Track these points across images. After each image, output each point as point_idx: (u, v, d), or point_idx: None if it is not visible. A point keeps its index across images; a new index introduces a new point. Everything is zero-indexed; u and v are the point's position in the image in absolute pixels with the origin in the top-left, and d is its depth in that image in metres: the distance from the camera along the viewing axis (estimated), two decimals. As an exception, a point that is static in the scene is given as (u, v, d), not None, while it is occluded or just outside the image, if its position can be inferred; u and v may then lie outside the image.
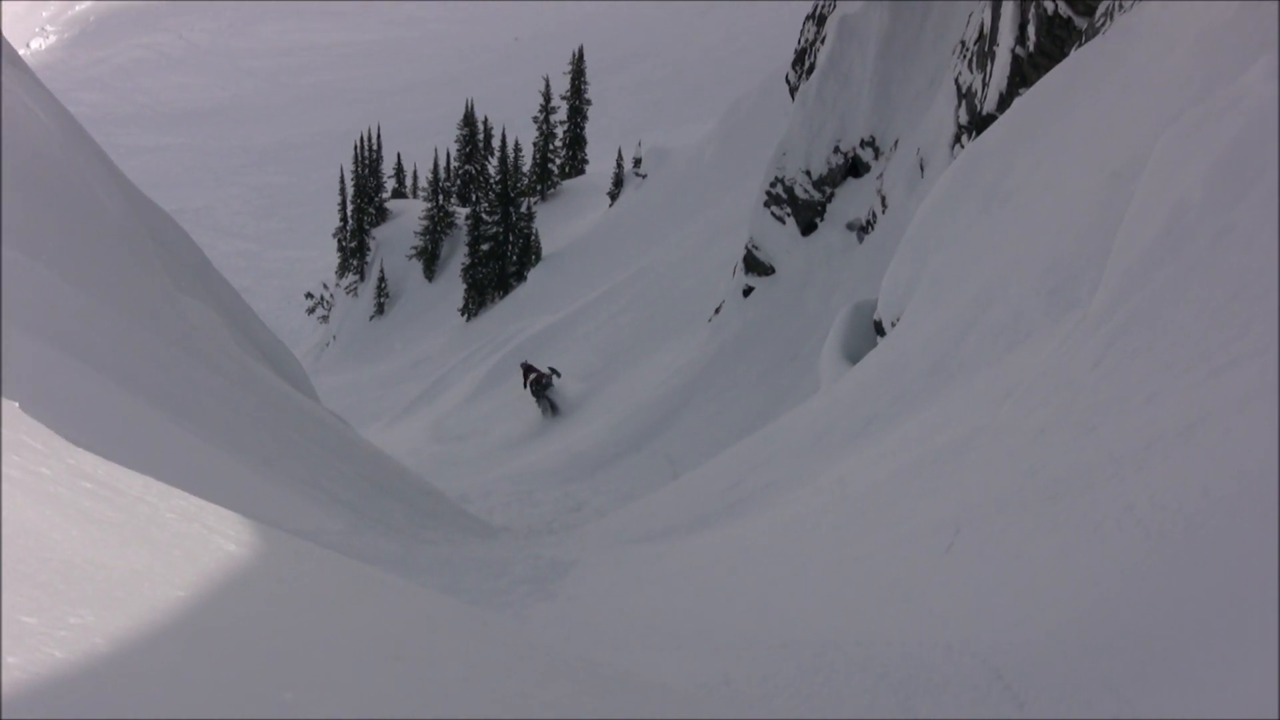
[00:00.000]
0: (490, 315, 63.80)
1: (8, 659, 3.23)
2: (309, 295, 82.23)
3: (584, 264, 58.03)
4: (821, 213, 33.69)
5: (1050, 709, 5.21)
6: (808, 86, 34.84)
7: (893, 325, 18.44)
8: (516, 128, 79.27)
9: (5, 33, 21.81)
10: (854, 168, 33.56)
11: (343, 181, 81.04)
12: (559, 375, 36.33)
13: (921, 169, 28.81)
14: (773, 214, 34.41)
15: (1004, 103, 23.34)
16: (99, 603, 3.99)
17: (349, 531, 12.77)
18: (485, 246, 67.84)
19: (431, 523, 16.89)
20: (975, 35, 26.80)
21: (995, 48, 24.68)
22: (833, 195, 33.58)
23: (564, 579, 11.78)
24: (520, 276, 66.00)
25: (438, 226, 74.15)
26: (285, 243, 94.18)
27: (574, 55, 76.89)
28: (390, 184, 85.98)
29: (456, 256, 72.11)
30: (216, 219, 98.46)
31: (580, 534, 18.31)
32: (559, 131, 77.25)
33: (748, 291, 34.20)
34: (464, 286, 67.11)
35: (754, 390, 30.16)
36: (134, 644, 3.77)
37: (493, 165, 73.74)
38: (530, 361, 38.50)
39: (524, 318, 54.67)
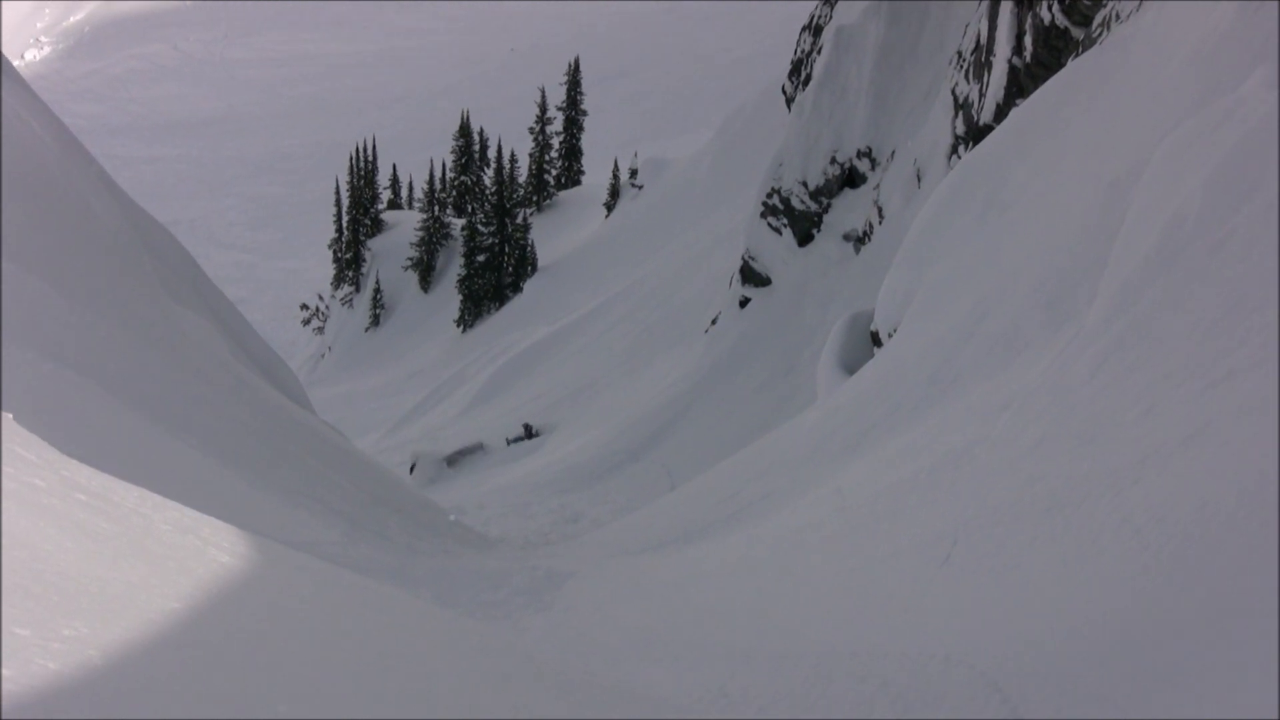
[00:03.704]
0: (486, 327, 63.83)
1: (2, 670, 3.22)
2: (304, 306, 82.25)
3: (580, 275, 58.13)
4: (818, 223, 33.74)
5: (1048, 721, 5.21)
6: (804, 97, 34.91)
7: (890, 336, 18.46)
8: (512, 139, 79.34)
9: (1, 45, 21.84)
10: (851, 178, 33.63)
11: (338, 192, 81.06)
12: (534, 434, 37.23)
13: (918, 179, 28.86)
14: (769, 225, 34.46)
15: (1001, 113, 23.38)
16: (93, 615, 3.99)
17: (345, 543, 12.77)
18: (481, 258, 67.90)
19: (428, 534, 16.89)
20: (972, 46, 26.85)
21: (992, 58, 24.73)
22: (829, 206, 33.64)
23: (561, 590, 11.77)
24: (516, 288, 66.06)
25: (433, 238, 74.19)
26: (280, 254, 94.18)
27: (570, 66, 76.95)
28: (386, 195, 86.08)
29: (452, 268, 72.17)
30: (211, 230, 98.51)
31: (577, 545, 18.31)
32: (555, 142, 77.37)
33: (744, 302, 34.24)
34: (460, 298, 67.18)
35: (752, 401, 30.19)
36: (128, 656, 3.77)
37: (488, 176, 73.80)
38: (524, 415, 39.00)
39: (520, 329, 54.77)
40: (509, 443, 37.16)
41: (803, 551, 10.21)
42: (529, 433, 37.28)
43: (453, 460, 36.86)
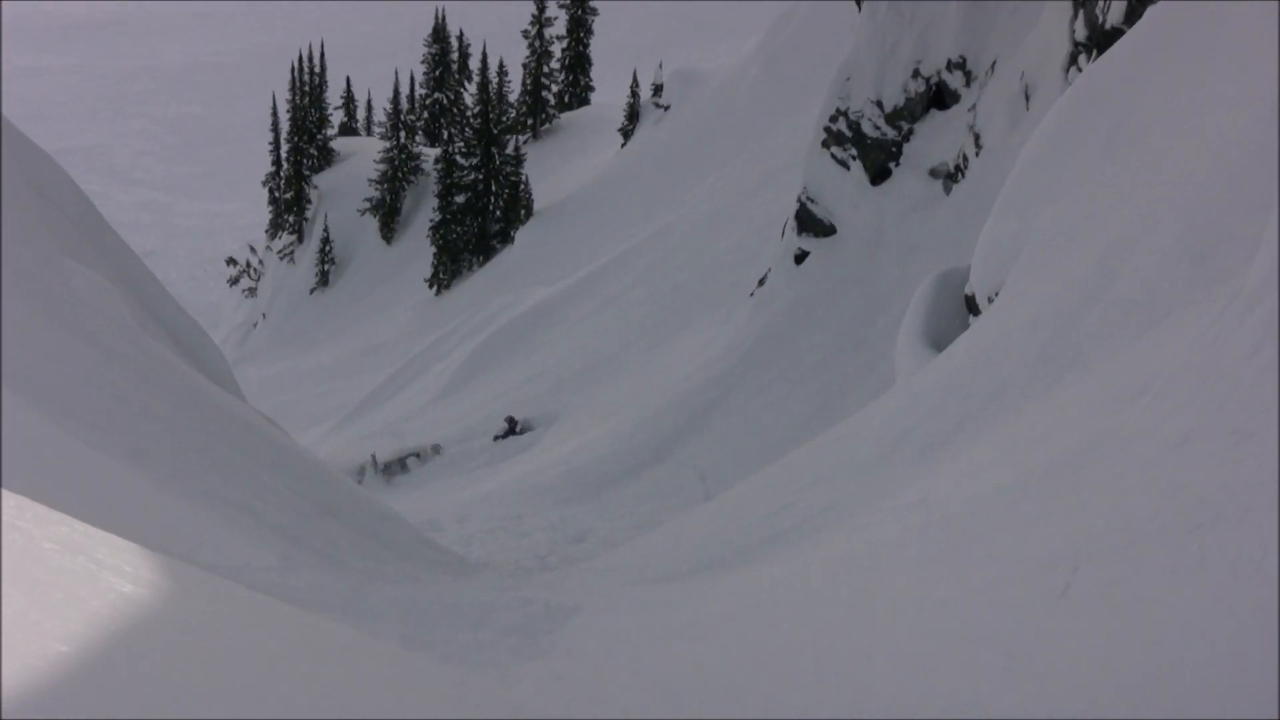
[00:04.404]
0: (466, 288, 63.95)
1: None
2: (231, 261, 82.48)
3: (589, 222, 58.09)
4: (897, 155, 33.66)
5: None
6: (879, -9, 34.83)
7: (990, 301, 18.42)
8: (501, 45, 79.30)
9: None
10: (939, 97, 33.53)
11: (275, 114, 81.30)
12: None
13: (1026, 99, 28.76)
14: (833, 156, 34.39)
15: (1133, 13, 23.26)
16: (-47, 661, 3.96)
17: (282, 567, 12.78)
18: (460, 198, 68.02)
19: (390, 555, 16.92)
20: (1097, -76, 26.72)
21: (1123, -60, 24.60)
22: (911, 132, 33.55)
23: (562, 630, 11.76)
24: (506, 237, 66.13)
25: (399, 172, 74.40)
26: (201, 193, 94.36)
27: (576, -51, 76.86)
28: (337, 118, 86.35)
29: (424, 211, 72.31)
30: (112, 161, 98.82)
31: (583, 571, 18.31)
32: (556, 50, 77.38)
33: (801, 257, 34.19)
34: (433, 250, 67.23)
35: (808, 385, 30.18)
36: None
37: (470, 93, 73.90)
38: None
39: (510, 291, 54.80)
40: (496, 439, 37.27)
41: (875, 579, 10.19)
42: (513, 428, 37.34)
43: (395, 467, 37.04)
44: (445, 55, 78.62)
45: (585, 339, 41.37)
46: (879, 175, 33.84)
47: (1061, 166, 17.79)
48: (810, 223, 34.44)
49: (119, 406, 14.75)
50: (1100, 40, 25.03)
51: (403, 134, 77.34)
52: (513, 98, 74.96)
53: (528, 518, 26.92)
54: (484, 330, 47.68)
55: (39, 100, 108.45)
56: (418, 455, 37.25)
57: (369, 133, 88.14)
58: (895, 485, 13.42)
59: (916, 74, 33.67)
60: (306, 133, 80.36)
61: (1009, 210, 18.85)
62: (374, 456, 36.94)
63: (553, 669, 10.57)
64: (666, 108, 62.26)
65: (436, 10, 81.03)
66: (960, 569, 9.27)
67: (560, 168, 69.83)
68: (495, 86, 71.92)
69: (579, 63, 78.17)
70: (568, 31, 77.53)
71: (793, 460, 19.28)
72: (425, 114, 79.55)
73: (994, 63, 32.02)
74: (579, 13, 76.92)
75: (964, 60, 33.18)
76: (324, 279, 74.34)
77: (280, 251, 78.77)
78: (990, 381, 14.79)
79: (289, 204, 79.58)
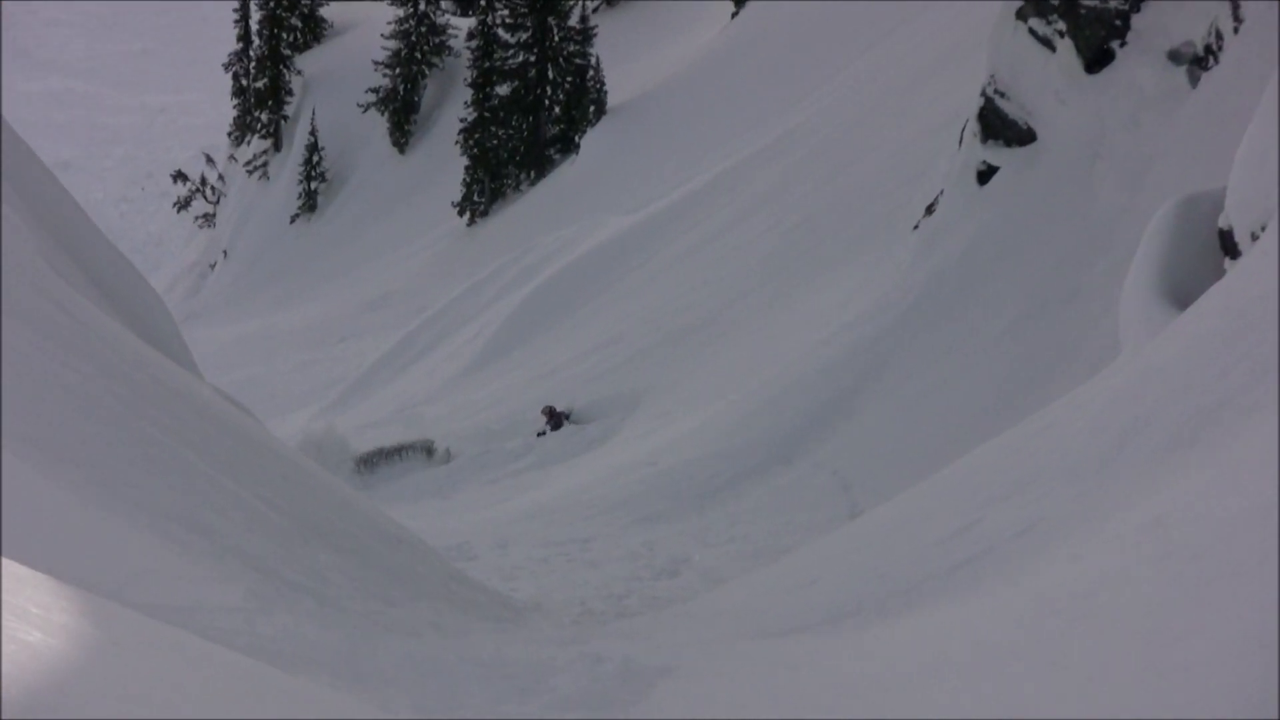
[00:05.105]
0: (510, 216, 63.94)
1: None
2: (180, 177, 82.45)
3: (682, 124, 57.94)
4: (1122, 30, 33.52)
5: None
6: None
7: (1254, 238, 18.30)
8: None
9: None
10: (1183, -53, 33.36)
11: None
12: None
13: (1308, -50, 28.55)
14: (1032, 32, 34.28)
15: None
16: None
17: (251, 608, 12.81)
18: (504, 89, 67.84)
19: (404, 594, 16.96)
20: None
21: None
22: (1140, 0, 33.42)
23: (646, 701, 11.79)
24: (567, 145, 65.97)
25: (417, 52, 74.44)
26: (137, 80, 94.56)
27: None
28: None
29: (451, 108, 72.20)
30: (15, 37, 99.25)
31: (677, 617, 18.36)
32: (639, -122, 77.36)
33: (986, 175, 34.10)
34: (464, 163, 67.06)
35: (995, 356, 30.08)
36: None
37: (518, -61, 73.88)
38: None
39: (572, 221, 54.76)
40: (540, 435, 37.32)
41: (1095, 630, 10.15)
42: (556, 422, 37.32)
43: (371, 463, 37.15)
44: (483, -116, 78.72)
45: (677, 291, 41.31)
46: (1097, 59, 33.69)
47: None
48: (999, 126, 34.32)
49: (28, 381, 14.80)
50: None
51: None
52: (578, -52, 75.06)
53: (597, 542, 26.94)
54: (534, 277, 47.72)
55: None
56: (427, 450, 37.21)
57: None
58: (1120, 500, 13.36)
59: (1152, -86, 33.54)
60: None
61: (1284, 110, 18.73)
62: (339, 437, 36.90)
63: (633, 757, 10.59)
64: (795, -38, 62.25)
65: None
66: (1214, 619, 9.21)
67: (644, 48, 69.89)
68: (553, -68, 72.01)
69: (672, -103, 78.25)
70: None
71: (974, 463, 19.22)
72: (455, -31, 79.76)
73: (1263, -102, 31.84)
74: None
75: (1220, -106, 33.03)
76: (310, 203, 74.63)
77: (249, 164, 79.05)
78: (1256, 353, 14.70)
79: (261, 96, 79.77)
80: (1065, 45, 34.00)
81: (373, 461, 36.45)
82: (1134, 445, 15.28)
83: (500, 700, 11.96)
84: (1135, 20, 33.44)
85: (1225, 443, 13.10)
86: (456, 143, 69.51)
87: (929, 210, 35.71)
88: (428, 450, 37.08)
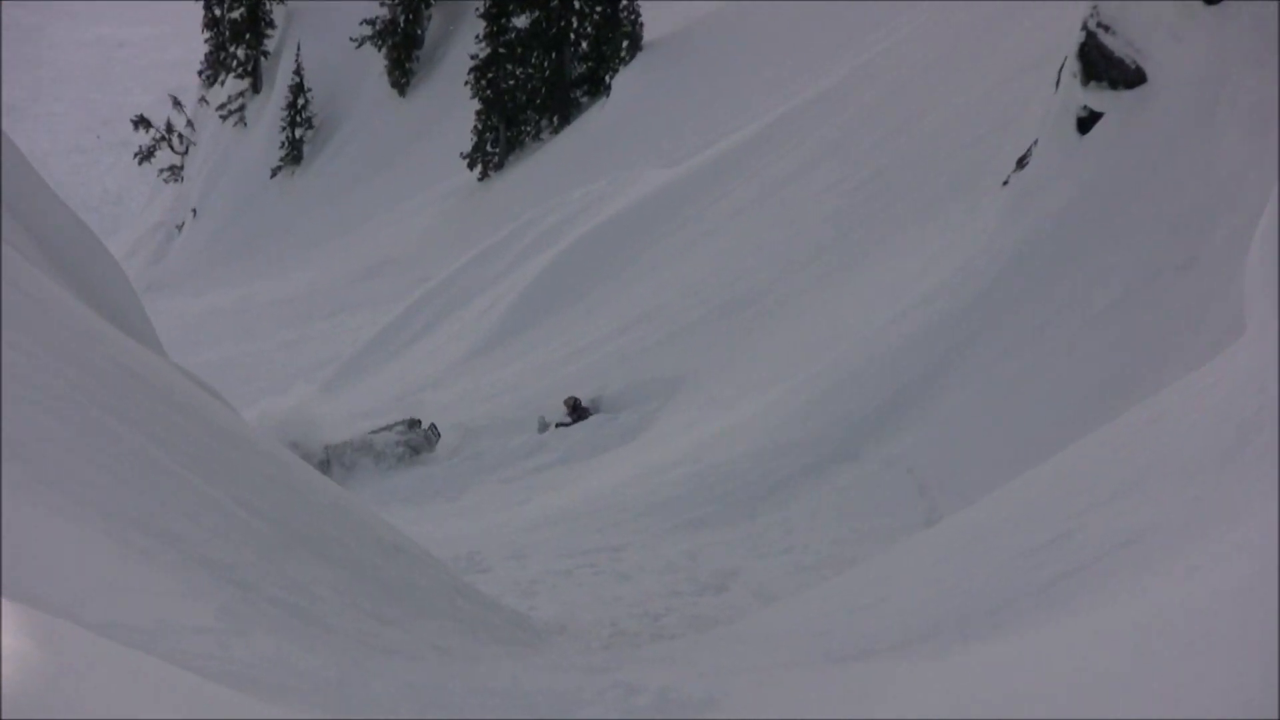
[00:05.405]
0: (529, 169, 63.98)
1: None
2: (142, 123, 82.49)
3: (730, 63, 57.82)
4: (1253, -51, 33.52)
5: None
6: None
7: None
8: None
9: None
10: None
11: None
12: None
13: None
14: (1143, -46, 34.29)
15: None
16: None
17: (224, 628, 12.87)
18: (521, 21, 67.86)
19: (402, 612, 17.03)
20: None
21: None
22: (1278, -91, 33.42)
23: (686, 739, 11.83)
24: (597, 86, 65.91)
25: (418, -21, 74.59)
26: (93, 10, 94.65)
27: None
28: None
29: (460, 43, 72.21)
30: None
31: (724, 640, 18.40)
32: None
33: (1088, 122, 34.08)
34: (476, 107, 67.02)
35: (1098, 334, 30.07)
36: None
37: None
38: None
39: (602, 174, 54.76)
40: (559, 426, 37.32)
41: (1219, 659, 10.17)
42: (577, 414, 37.35)
43: (341, 458, 37.16)
44: None
45: (724, 258, 41.31)
46: (1222, -15, 33.72)
47: None
48: (1104, 65, 34.29)
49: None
50: None
51: (427, -87, 77.81)
52: None
53: (629, 552, 26.96)
54: (556, 241, 47.78)
55: None
56: (427, 437, 37.15)
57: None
58: (1244, 503, 13.37)
59: None
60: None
61: None
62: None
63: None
64: None
65: None
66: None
67: (685, -27, 69.99)
68: None
69: None
70: None
71: (1071, 461, 19.23)
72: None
73: None
74: None
75: None
76: (295, 153, 74.77)
77: (223, 108, 79.23)
78: None
79: (238, 28, 79.91)
80: (1184, -30, 34.01)
81: (341, 452, 36.41)
82: (1260, 440, 15.29)
83: (517, 738, 12.03)
84: (1268, -63, 33.46)
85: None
86: (466, 83, 69.53)
87: (1020, 164, 35.70)
88: (426, 438, 37.09)
